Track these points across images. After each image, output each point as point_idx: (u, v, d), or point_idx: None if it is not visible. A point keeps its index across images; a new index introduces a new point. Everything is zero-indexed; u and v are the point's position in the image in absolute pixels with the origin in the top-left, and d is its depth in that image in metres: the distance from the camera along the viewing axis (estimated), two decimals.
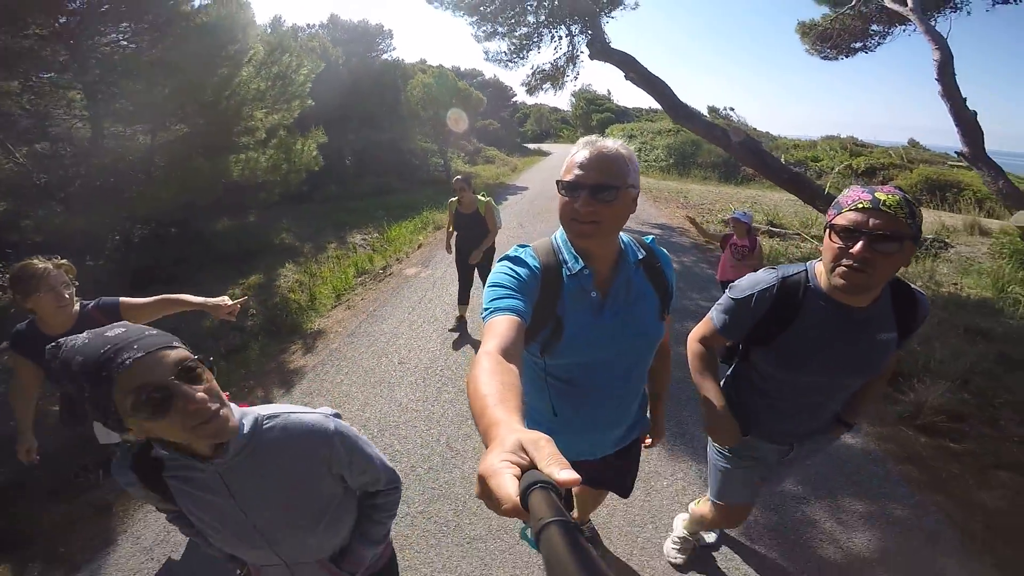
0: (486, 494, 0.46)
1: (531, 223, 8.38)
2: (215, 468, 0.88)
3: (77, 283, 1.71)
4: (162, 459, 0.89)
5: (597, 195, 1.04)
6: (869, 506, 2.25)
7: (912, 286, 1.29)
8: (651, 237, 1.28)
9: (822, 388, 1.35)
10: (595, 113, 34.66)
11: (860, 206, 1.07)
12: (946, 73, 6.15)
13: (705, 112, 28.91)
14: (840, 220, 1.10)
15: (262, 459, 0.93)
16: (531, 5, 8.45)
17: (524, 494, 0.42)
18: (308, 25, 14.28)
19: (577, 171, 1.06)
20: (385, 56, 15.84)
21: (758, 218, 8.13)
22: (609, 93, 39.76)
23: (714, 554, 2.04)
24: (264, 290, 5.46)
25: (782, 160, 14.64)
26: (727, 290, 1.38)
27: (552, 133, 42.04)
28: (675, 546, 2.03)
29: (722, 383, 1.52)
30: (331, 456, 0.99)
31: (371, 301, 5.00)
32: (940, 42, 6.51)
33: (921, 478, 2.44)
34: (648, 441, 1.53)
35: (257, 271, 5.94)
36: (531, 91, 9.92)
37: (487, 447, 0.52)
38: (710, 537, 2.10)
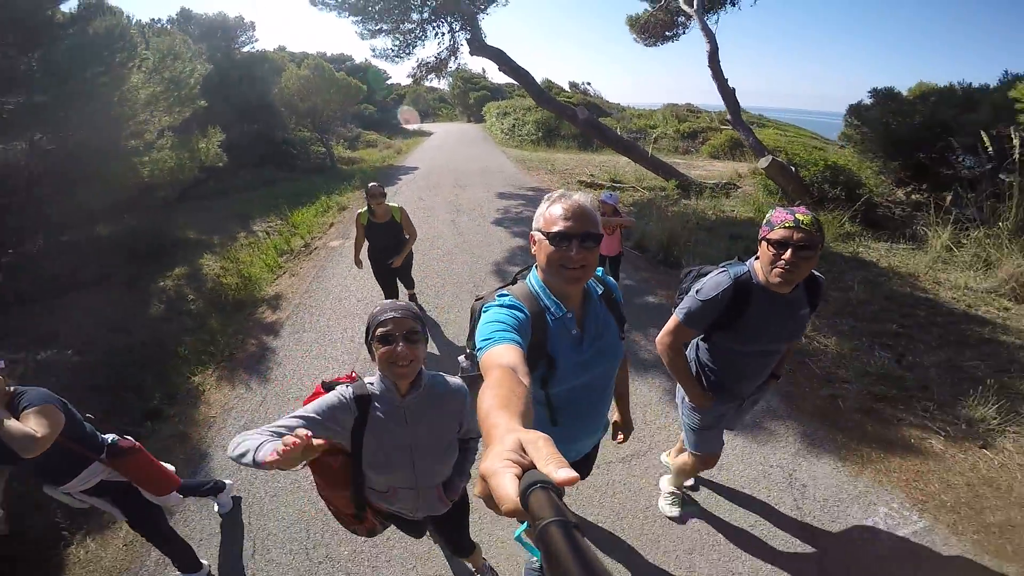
0: (487, 494, 0.48)
1: (429, 197, 9.57)
2: (405, 404, 1.39)
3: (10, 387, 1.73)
4: (371, 395, 1.39)
5: (585, 243, 1.21)
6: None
7: (814, 272, 1.67)
8: (601, 269, 1.48)
9: (765, 354, 1.77)
10: (472, 92, 35.62)
11: (787, 225, 1.48)
12: (714, 60, 8.49)
13: (567, 87, 31.81)
14: (773, 235, 1.51)
15: (430, 402, 1.42)
16: (415, 4, 9.40)
17: (524, 494, 0.43)
18: (154, 20, 13.29)
19: (564, 223, 1.21)
20: (248, 48, 15.36)
21: (604, 178, 10.25)
22: (484, 71, 40.98)
23: (703, 504, 2.47)
24: (193, 279, 6.05)
25: (624, 129, 17.37)
26: (696, 293, 1.71)
27: (431, 113, 42.20)
28: (668, 502, 2.40)
29: (691, 361, 1.94)
30: (463, 408, 1.48)
31: (311, 268, 5.99)
32: (710, 36, 8.83)
33: None
34: (620, 437, 1.82)
35: (178, 265, 6.42)
36: (417, 81, 10.96)
37: (487, 448, 0.55)
38: (689, 482, 2.52)
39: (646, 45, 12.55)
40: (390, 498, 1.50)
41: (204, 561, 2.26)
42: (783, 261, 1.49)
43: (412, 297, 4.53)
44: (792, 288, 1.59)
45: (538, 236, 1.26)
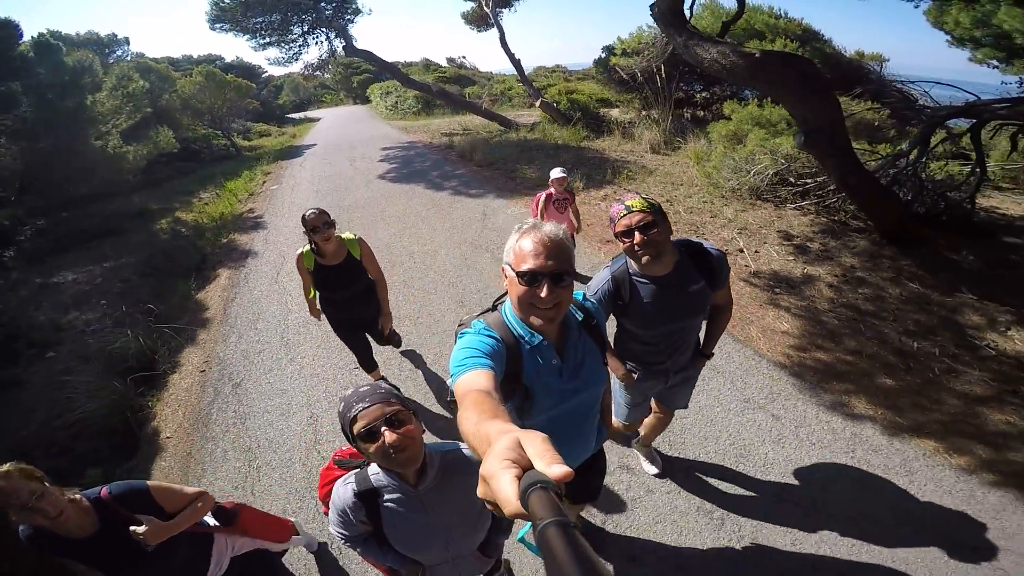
0: (488, 495, 0.50)
1: (332, 156, 12.90)
2: (420, 493, 1.27)
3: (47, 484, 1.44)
4: (379, 489, 1.28)
5: (558, 283, 1.16)
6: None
7: (704, 246, 1.80)
8: (580, 293, 1.50)
9: (672, 332, 1.90)
10: (355, 76, 37.18)
11: (622, 215, 1.64)
12: (504, 44, 12.68)
13: (444, 63, 35.32)
14: (619, 227, 1.66)
15: (450, 481, 1.31)
16: (295, 21, 12.44)
17: (524, 496, 0.45)
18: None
19: (534, 260, 1.15)
20: (125, 60, 17.21)
21: (459, 130, 14.17)
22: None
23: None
24: (178, 222, 9.07)
25: (489, 93, 21.31)
26: (586, 288, 1.81)
27: (313, 100, 42.92)
28: (646, 462, 2.74)
29: (612, 344, 2.06)
30: None
31: (264, 200, 9.26)
32: (499, 28, 12.93)
33: None
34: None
35: (154, 221, 9.35)
36: (308, 79, 14.38)
37: (485, 455, 0.55)
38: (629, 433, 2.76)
39: (478, 31, 16.41)
40: (426, 572, 1.46)
41: None
42: (636, 245, 1.63)
43: (390, 336, 3.46)
44: (667, 267, 1.73)
45: (508, 271, 1.22)
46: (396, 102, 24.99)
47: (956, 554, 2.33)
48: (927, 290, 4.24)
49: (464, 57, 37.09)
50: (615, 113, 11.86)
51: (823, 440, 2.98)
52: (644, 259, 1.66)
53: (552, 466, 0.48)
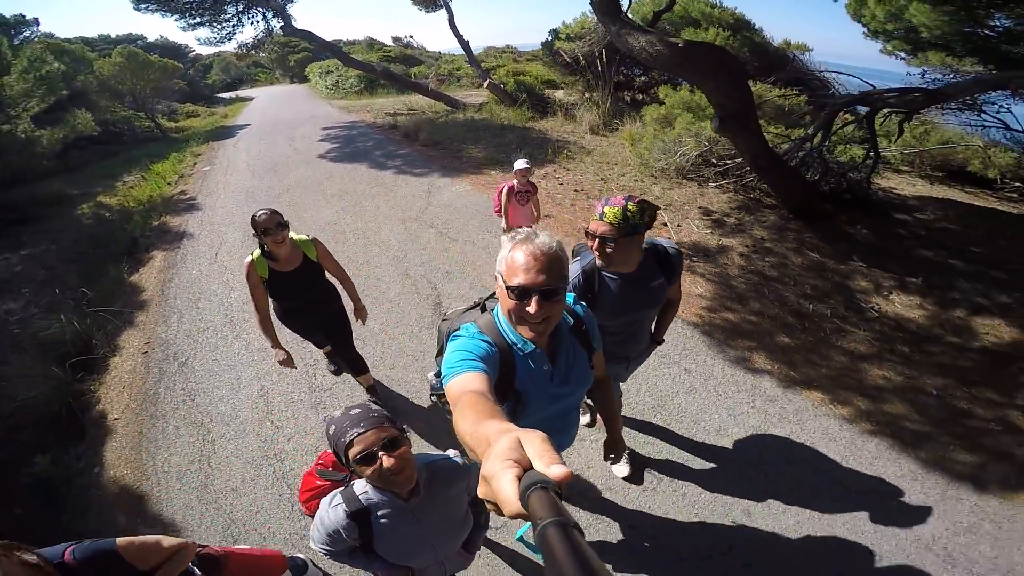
0: (489, 495, 0.50)
1: (269, 137, 12.33)
2: (411, 506, 1.33)
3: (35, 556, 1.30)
4: (369, 507, 1.32)
5: (549, 298, 1.15)
6: None
7: (666, 247, 1.96)
8: (571, 296, 1.50)
9: (632, 322, 2.06)
10: (292, 55, 35.19)
11: (595, 218, 1.74)
12: (452, 25, 12.54)
13: (390, 42, 34.13)
14: (591, 226, 1.76)
15: (436, 492, 1.38)
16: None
17: (524, 496, 0.45)
18: None
19: (525, 275, 1.13)
20: (35, 39, 15.63)
21: (404, 109, 13.92)
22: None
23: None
24: (101, 208, 8.49)
25: (436, 73, 20.90)
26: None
27: (246, 79, 40.29)
28: (618, 464, 2.78)
29: None
30: (469, 482, 1.49)
31: (197, 180, 8.79)
32: (448, 9, 12.76)
33: None
34: (613, 457, 1.90)
35: (75, 207, 8.71)
36: (241, 59, 13.55)
37: (485, 455, 0.56)
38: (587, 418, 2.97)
39: (426, 12, 16.00)
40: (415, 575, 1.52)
41: None
42: (597, 247, 1.76)
43: (371, 390, 3.32)
44: (632, 267, 1.84)
45: (499, 280, 1.20)
46: (337, 81, 24.02)
47: (838, 493, 2.77)
48: (824, 259, 4.82)
49: (411, 37, 36.06)
50: (559, 95, 12.09)
51: (727, 391, 3.41)
52: (603, 263, 1.81)
53: (552, 466, 0.49)
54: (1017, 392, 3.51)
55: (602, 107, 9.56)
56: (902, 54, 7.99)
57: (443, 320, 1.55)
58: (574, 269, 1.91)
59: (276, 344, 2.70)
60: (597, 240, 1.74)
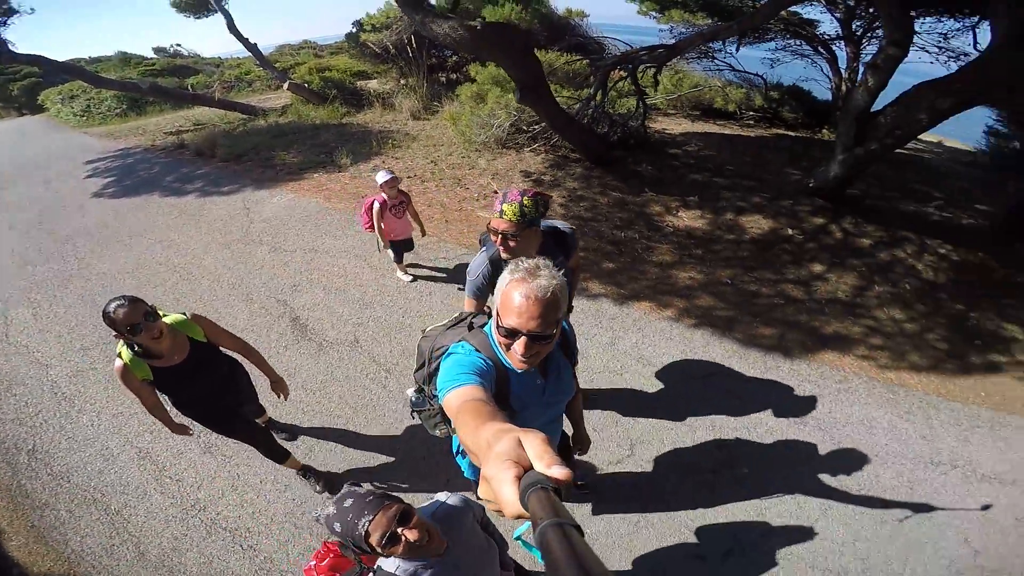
0: (490, 496, 0.50)
1: (16, 183, 9.57)
2: (444, 558, 1.35)
3: None
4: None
5: (537, 341, 1.16)
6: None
7: (562, 228, 2.14)
8: None
9: None
10: (14, 83, 27.35)
11: (495, 216, 1.83)
12: (232, 29, 11.20)
13: (152, 53, 28.76)
14: (491, 225, 1.86)
15: (455, 536, 1.42)
16: None
17: (524, 497, 0.45)
18: None
19: (517, 319, 1.13)
20: None
21: (188, 126, 12.14)
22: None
23: None
24: None
25: (221, 80, 18.47)
26: (468, 273, 2.05)
27: None
28: None
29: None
30: (474, 512, 1.55)
31: None
32: (225, 13, 11.31)
33: None
34: (580, 450, 2.05)
35: None
36: None
37: (485, 456, 0.57)
38: None
39: (196, 18, 13.84)
40: None
41: None
42: (500, 243, 1.86)
43: (270, 424, 3.16)
44: (536, 250, 1.93)
45: (495, 311, 1.22)
46: (89, 106, 19.60)
47: (684, 382, 3.44)
48: (624, 195, 5.70)
49: (179, 45, 30.98)
50: (374, 85, 11.74)
51: (576, 319, 3.91)
52: (507, 257, 1.88)
53: (552, 467, 0.49)
54: (783, 268, 4.71)
55: (419, 92, 9.61)
56: (653, 13, 9.57)
57: (423, 337, 1.56)
58: (480, 261, 2.03)
59: (174, 428, 2.38)
60: (500, 236, 1.84)
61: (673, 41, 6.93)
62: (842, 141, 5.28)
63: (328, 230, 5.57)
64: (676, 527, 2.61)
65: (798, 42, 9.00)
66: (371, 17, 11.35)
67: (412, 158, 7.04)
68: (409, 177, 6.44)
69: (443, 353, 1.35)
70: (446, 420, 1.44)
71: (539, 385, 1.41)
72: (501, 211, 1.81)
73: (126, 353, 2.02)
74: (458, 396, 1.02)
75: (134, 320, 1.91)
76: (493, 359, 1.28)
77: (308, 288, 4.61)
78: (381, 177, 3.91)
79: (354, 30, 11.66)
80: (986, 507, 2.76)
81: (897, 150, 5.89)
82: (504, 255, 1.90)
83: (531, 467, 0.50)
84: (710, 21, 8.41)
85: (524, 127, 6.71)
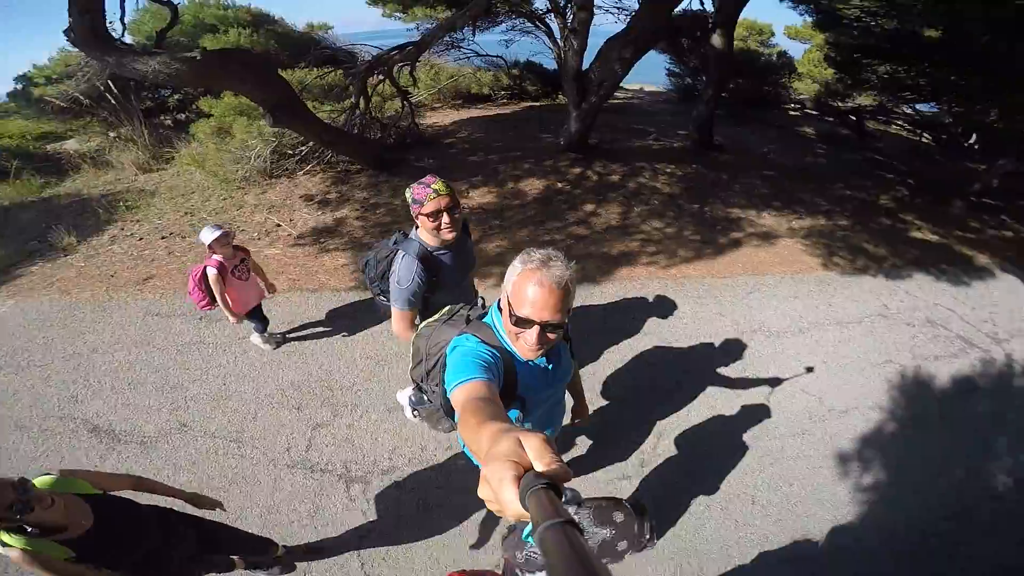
0: (490, 497, 0.50)
1: None
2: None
3: None
4: None
5: (548, 330, 1.18)
6: None
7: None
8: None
9: (464, 287, 2.21)
10: None
11: (431, 198, 1.77)
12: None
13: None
14: (427, 208, 1.78)
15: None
16: None
17: (524, 497, 0.45)
18: None
19: (530, 308, 1.15)
20: None
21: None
22: None
23: None
24: None
25: None
26: (398, 284, 1.90)
27: None
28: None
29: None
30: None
31: None
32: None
33: None
34: (579, 421, 2.10)
35: None
36: None
37: (485, 457, 0.57)
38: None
39: None
40: None
41: None
42: (445, 224, 1.83)
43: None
44: (459, 231, 1.96)
45: (505, 300, 1.23)
46: None
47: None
48: None
49: None
50: (72, 145, 9.41)
51: None
52: (449, 237, 1.87)
53: (552, 466, 0.49)
54: (565, 215, 5.41)
55: (140, 142, 8.00)
56: (398, 14, 9.72)
57: (417, 335, 1.53)
58: (409, 264, 1.87)
59: None
60: (446, 214, 1.81)
61: (419, 37, 7.17)
62: (571, 101, 6.24)
63: (91, 327, 4.25)
64: None
65: (523, 21, 10.15)
66: (41, 69, 9.18)
67: (159, 215, 5.87)
68: (164, 237, 5.39)
69: (443, 347, 1.35)
70: (448, 415, 1.40)
71: (544, 369, 1.43)
72: (435, 191, 1.80)
73: (16, 539, 1.46)
74: (463, 393, 1.02)
75: (13, 501, 1.40)
76: (499, 349, 1.29)
77: (94, 393, 3.47)
78: (207, 235, 3.02)
79: (19, 87, 9.26)
80: (810, 369, 3.52)
81: (611, 99, 7.20)
82: (449, 235, 1.87)
83: (531, 467, 0.50)
84: (450, 12, 8.89)
85: (289, 151, 6.21)
